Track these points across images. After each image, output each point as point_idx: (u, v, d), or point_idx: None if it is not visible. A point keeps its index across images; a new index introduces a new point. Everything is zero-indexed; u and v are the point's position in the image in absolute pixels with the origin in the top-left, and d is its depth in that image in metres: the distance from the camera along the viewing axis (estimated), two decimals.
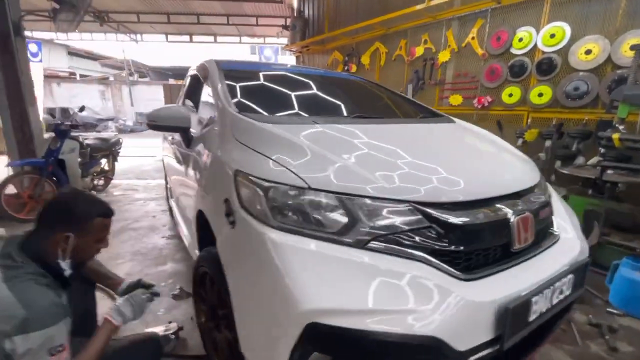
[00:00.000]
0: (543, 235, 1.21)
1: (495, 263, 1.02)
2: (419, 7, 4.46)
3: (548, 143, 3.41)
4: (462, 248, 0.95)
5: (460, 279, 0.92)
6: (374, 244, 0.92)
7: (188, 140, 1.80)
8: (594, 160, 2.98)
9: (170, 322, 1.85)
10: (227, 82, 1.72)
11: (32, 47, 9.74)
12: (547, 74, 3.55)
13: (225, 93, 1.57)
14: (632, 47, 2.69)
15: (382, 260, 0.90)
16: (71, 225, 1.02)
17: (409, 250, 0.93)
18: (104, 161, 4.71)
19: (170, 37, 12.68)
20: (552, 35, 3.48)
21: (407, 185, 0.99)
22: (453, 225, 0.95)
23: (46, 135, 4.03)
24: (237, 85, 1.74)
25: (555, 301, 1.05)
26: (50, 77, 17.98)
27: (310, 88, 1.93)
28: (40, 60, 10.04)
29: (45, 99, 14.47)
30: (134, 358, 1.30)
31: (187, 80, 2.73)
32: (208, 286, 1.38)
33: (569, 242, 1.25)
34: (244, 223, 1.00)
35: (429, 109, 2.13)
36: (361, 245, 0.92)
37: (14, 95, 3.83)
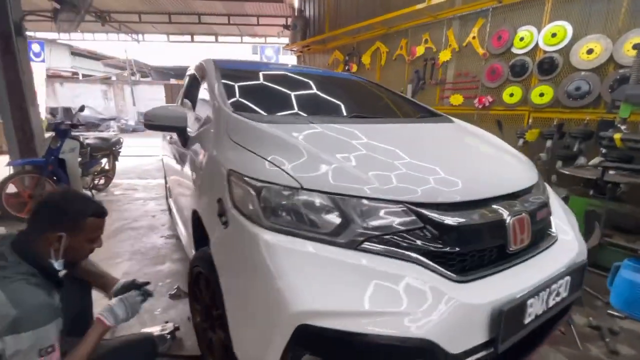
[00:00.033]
0: (540, 237, 1.20)
1: (491, 264, 1.01)
2: (419, 6, 4.44)
3: (549, 143, 3.38)
4: (456, 249, 0.94)
5: (455, 281, 0.91)
6: (367, 245, 0.91)
7: (185, 139, 1.79)
8: (595, 160, 2.96)
9: (166, 322, 1.84)
10: (224, 81, 1.72)
11: (35, 47, 9.81)
12: (548, 73, 3.52)
13: (222, 92, 1.56)
14: (635, 46, 2.66)
15: (375, 262, 0.89)
16: (63, 225, 1.01)
17: (403, 252, 0.92)
18: (104, 161, 4.72)
19: (172, 37, 12.71)
20: (554, 35, 3.45)
21: (401, 185, 0.98)
22: (447, 226, 0.94)
23: (47, 135, 4.05)
24: (234, 85, 1.73)
25: (551, 303, 1.03)
26: (54, 77, 18.08)
27: (308, 88, 1.92)
28: (43, 60, 10.10)
29: (48, 98, 14.57)
30: (128, 358, 1.30)
31: (186, 80, 2.73)
32: (203, 286, 1.37)
33: (567, 243, 1.23)
34: (236, 223, 0.99)
35: (428, 108, 2.12)
36: (354, 246, 0.91)
37: (15, 94, 3.84)
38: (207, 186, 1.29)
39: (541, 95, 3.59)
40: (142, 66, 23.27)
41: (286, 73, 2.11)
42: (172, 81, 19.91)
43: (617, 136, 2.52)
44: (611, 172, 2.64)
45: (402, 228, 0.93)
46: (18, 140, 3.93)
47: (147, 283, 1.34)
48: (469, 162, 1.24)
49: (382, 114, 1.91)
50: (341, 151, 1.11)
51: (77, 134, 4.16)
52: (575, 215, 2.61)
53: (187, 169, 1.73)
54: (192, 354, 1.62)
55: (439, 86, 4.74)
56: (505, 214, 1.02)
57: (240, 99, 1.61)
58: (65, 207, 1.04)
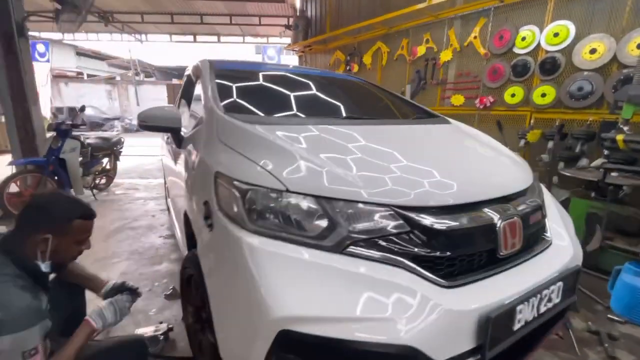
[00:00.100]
0: (534, 241, 1.17)
1: (481, 269, 0.99)
2: (420, 6, 4.41)
3: (550, 144, 3.33)
4: (444, 254, 0.92)
5: (442, 286, 0.89)
6: (352, 249, 0.90)
7: (179, 140, 1.79)
8: (597, 162, 2.91)
9: (161, 323, 1.85)
10: (219, 82, 1.71)
11: (40, 48, 9.94)
12: (550, 73, 3.47)
13: (214, 93, 1.56)
14: (639, 46, 2.61)
15: (360, 266, 0.87)
16: (50, 227, 1.01)
17: (389, 256, 0.90)
18: (105, 160, 4.75)
19: (174, 37, 12.77)
20: (556, 34, 3.41)
21: (389, 188, 0.96)
22: (434, 231, 0.92)
23: (48, 135, 4.08)
24: (228, 86, 1.73)
25: (543, 309, 1.01)
26: (59, 77, 18.26)
27: (303, 88, 1.91)
28: (48, 61, 10.23)
29: (53, 98, 14.72)
30: (118, 359, 1.30)
31: (184, 80, 2.73)
32: (193, 288, 1.37)
33: (561, 247, 1.20)
34: (221, 226, 0.98)
35: (425, 109, 2.09)
36: (339, 250, 0.89)
37: (18, 94, 3.89)
38: (196, 188, 1.28)
39: (543, 95, 3.54)
40: (146, 66, 23.42)
41: (282, 74, 2.09)
42: (175, 81, 20.02)
43: (619, 137, 2.47)
44: (613, 174, 2.60)
45: (389, 232, 0.92)
46: (20, 139, 3.98)
47: (137, 288, 1.34)
48: (462, 164, 1.21)
49: (377, 115, 1.89)
50: (330, 153, 1.09)
51: (78, 133, 4.19)
52: (577, 217, 2.60)
53: (180, 170, 1.72)
54: (183, 355, 1.62)
55: (440, 86, 4.71)
56: (495, 217, 1.00)
57: (233, 100, 1.60)
58: (52, 209, 1.04)
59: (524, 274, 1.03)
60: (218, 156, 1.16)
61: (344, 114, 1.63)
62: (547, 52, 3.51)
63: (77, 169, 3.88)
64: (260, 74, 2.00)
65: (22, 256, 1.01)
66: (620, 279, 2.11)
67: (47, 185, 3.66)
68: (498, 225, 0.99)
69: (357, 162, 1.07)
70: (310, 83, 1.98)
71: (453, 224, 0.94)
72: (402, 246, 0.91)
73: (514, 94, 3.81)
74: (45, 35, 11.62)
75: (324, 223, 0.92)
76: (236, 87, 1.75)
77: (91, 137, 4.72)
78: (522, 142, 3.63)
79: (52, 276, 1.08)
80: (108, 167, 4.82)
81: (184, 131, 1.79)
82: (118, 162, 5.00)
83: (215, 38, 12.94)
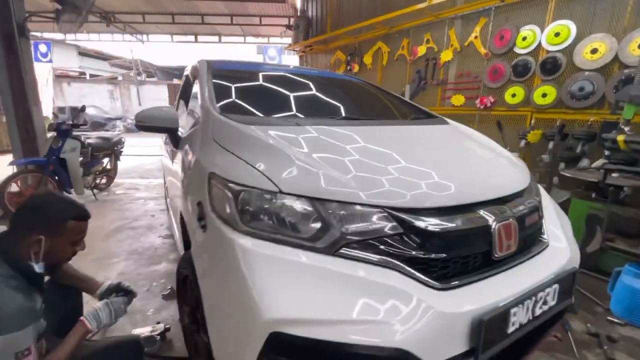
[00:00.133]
0: (530, 243, 1.16)
1: (475, 271, 0.98)
2: (421, 5, 4.40)
3: (551, 145, 3.32)
4: (437, 256, 0.92)
5: (435, 288, 0.89)
6: (346, 251, 0.89)
7: (176, 140, 1.79)
8: (598, 162, 2.89)
9: (158, 323, 1.84)
10: (217, 82, 1.71)
11: (42, 48, 9.99)
12: (551, 73, 3.45)
13: (211, 93, 1.56)
14: None
15: (353, 268, 0.87)
16: (43, 228, 1.01)
17: (382, 258, 0.90)
18: (106, 160, 4.76)
19: (176, 38, 12.81)
20: (557, 34, 3.39)
21: (382, 189, 0.95)
22: (428, 232, 0.91)
23: (49, 135, 4.10)
24: (224, 86, 1.72)
25: (538, 312, 1.00)
26: (62, 77, 18.35)
27: (299, 88, 1.90)
28: (50, 61, 10.29)
29: (55, 98, 14.78)
30: (113, 359, 1.30)
31: (183, 81, 2.73)
32: (188, 289, 1.37)
33: (558, 249, 1.19)
34: (214, 227, 0.98)
35: (423, 109, 2.08)
36: (332, 252, 0.89)
37: (18, 94, 3.90)
38: (190, 189, 1.28)
39: (544, 95, 3.52)
40: (148, 66, 23.49)
41: (279, 74, 2.09)
42: (176, 81, 20.08)
43: (620, 138, 2.45)
44: (614, 174, 2.58)
45: (382, 234, 0.91)
46: (21, 139, 4.00)
47: (132, 290, 1.34)
48: (457, 165, 1.21)
49: (374, 116, 1.88)
50: (325, 154, 1.09)
51: (78, 133, 4.20)
52: (577, 218, 2.58)
53: (177, 170, 1.72)
54: (179, 356, 1.62)
55: (440, 86, 4.69)
56: (490, 219, 0.99)
57: (229, 100, 1.60)
58: (45, 210, 1.04)
59: (519, 276, 1.02)
60: (212, 157, 1.16)
61: (340, 115, 1.62)
62: (548, 52, 3.49)
63: (78, 169, 3.89)
64: (257, 75, 2.00)
65: (16, 257, 1.01)
66: (620, 280, 2.10)
67: (47, 185, 3.68)
68: (493, 227, 0.99)
69: (352, 163, 1.06)
70: (307, 83, 1.97)
71: (447, 225, 0.93)
72: (395, 248, 0.91)
73: (514, 94, 3.79)
74: (47, 35, 11.68)
75: (317, 225, 0.91)
76: (233, 88, 1.75)
77: (92, 137, 4.73)
78: (523, 142, 3.61)
79: (41, 276, 1.08)
80: (109, 167, 4.83)
81: (182, 131, 1.79)
82: (119, 162, 5.01)
83: (216, 38, 12.97)
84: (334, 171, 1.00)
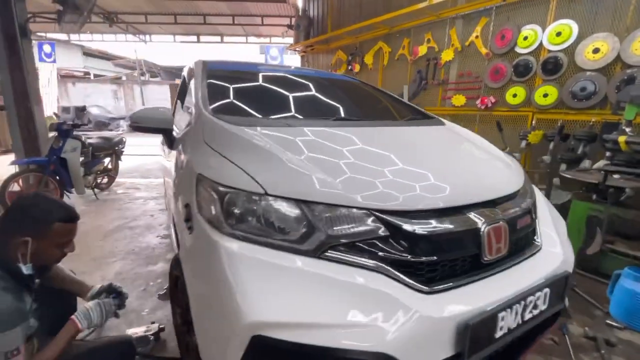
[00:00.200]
0: (522, 246, 1.14)
1: (464, 275, 0.97)
2: (421, 5, 4.37)
3: (552, 145, 3.27)
4: (424, 259, 0.90)
5: (422, 292, 0.88)
6: (331, 254, 0.89)
7: (170, 141, 1.79)
8: (600, 163, 2.85)
9: (152, 323, 1.85)
10: (211, 82, 1.71)
11: (46, 48, 10.09)
12: (552, 73, 3.42)
13: (204, 94, 1.55)
14: None
15: (338, 271, 0.86)
16: (28, 230, 1.01)
17: (368, 261, 0.89)
18: (107, 160, 4.79)
19: (178, 38, 12.88)
20: (559, 34, 3.35)
21: (369, 192, 0.94)
22: (414, 235, 0.90)
23: (50, 134, 4.14)
24: (219, 87, 1.72)
25: (527, 317, 0.99)
26: (66, 77, 18.53)
27: (294, 89, 1.89)
28: (54, 61, 10.39)
29: (60, 98, 14.91)
30: (104, 359, 1.30)
31: (181, 81, 2.74)
32: (179, 290, 1.37)
33: (551, 253, 1.17)
34: (199, 229, 0.98)
35: (419, 110, 2.06)
36: (317, 254, 0.88)
37: (20, 94, 3.94)
38: (180, 190, 1.28)
39: (545, 95, 3.49)
40: (152, 66, 23.64)
41: (274, 74, 2.08)
42: (178, 81, 20.18)
43: (621, 139, 2.42)
44: (616, 176, 2.54)
45: (369, 236, 0.90)
46: (23, 139, 4.04)
47: (123, 292, 1.34)
48: (448, 167, 1.19)
49: (368, 116, 1.87)
50: (313, 155, 1.08)
51: (80, 133, 4.23)
52: (577, 220, 2.55)
53: (171, 171, 1.73)
54: (171, 356, 1.62)
55: (441, 86, 4.66)
56: (480, 222, 0.98)
57: (222, 101, 1.59)
58: (31, 212, 1.04)
59: (509, 279, 1.00)
60: (201, 158, 1.15)
61: (333, 115, 1.61)
62: (549, 51, 3.46)
63: (78, 169, 3.91)
64: (252, 75, 2.00)
65: (5, 258, 1.01)
66: (619, 284, 2.07)
67: (48, 185, 3.71)
68: (482, 230, 0.97)
69: (341, 164, 1.05)
70: (302, 83, 1.96)
71: (434, 228, 0.92)
72: (382, 251, 0.90)
73: (515, 94, 3.76)
74: (53, 35, 11.80)
75: (302, 227, 0.90)
76: (227, 88, 1.75)
77: (93, 137, 4.76)
78: (524, 143, 3.57)
79: (35, 279, 1.08)
80: (109, 166, 4.86)
81: (177, 132, 1.79)
82: (120, 162, 5.04)
83: (218, 38, 13.01)
84: (322, 173, 0.99)
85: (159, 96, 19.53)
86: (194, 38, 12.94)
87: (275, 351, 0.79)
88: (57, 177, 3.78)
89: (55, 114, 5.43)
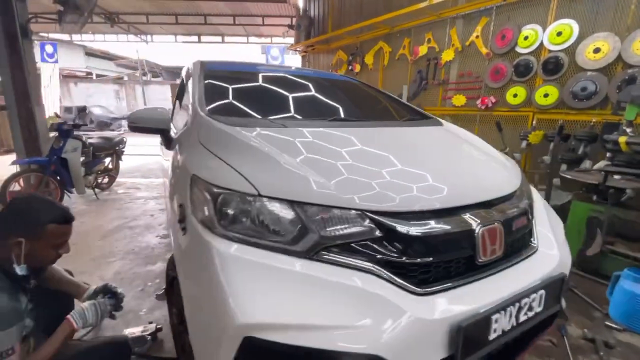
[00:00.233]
0: (518, 247, 1.14)
1: (458, 276, 0.96)
2: (422, 5, 4.36)
3: (552, 146, 3.26)
4: (417, 260, 0.90)
5: (415, 294, 0.87)
6: (324, 255, 0.88)
7: (168, 141, 1.79)
8: (600, 164, 2.84)
9: (150, 323, 1.85)
10: (209, 83, 1.71)
11: (49, 48, 10.14)
12: (553, 73, 3.40)
13: (200, 95, 1.55)
14: None
15: (330, 272, 0.86)
16: (22, 231, 1.02)
17: (361, 262, 0.88)
18: (107, 160, 4.81)
19: (179, 38, 12.91)
20: (559, 33, 3.33)
21: (362, 193, 0.94)
22: (408, 237, 0.90)
23: (51, 134, 4.15)
24: (216, 87, 1.72)
25: (522, 319, 0.98)
26: (69, 77, 18.61)
27: (291, 89, 1.89)
28: (56, 61, 10.43)
29: (62, 98, 14.98)
30: (99, 359, 1.30)
31: (180, 81, 2.75)
32: (176, 290, 1.37)
33: (547, 254, 1.17)
34: (192, 230, 0.98)
35: (417, 110, 2.06)
36: (310, 255, 0.88)
37: (21, 94, 3.97)
38: (175, 190, 1.28)
39: (546, 95, 3.47)
40: (153, 66, 23.71)
41: (272, 74, 2.08)
42: (179, 81, 20.25)
43: (622, 139, 2.40)
44: (616, 176, 2.52)
45: (362, 238, 0.90)
46: (24, 139, 4.06)
47: (119, 292, 1.34)
48: (444, 168, 1.18)
49: (365, 117, 1.86)
50: (308, 156, 1.08)
51: (80, 133, 4.25)
52: (577, 221, 2.53)
53: (168, 171, 1.73)
54: (168, 356, 1.62)
55: (441, 86, 4.65)
56: (474, 223, 0.97)
57: (218, 102, 1.59)
58: (24, 213, 1.04)
59: (504, 281, 0.99)
60: (196, 159, 1.15)
61: (330, 116, 1.61)
62: (550, 51, 3.44)
63: (79, 169, 3.93)
64: (250, 75, 2.00)
65: (0, 259, 1.02)
66: (619, 285, 2.05)
67: (49, 185, 3.73)
68: (477, 231, 0.96)
69: (335, 165, 1.05)
70: (299, 84, 1.96)
71: (428, 230, 0.92)
72: (375, 252, 0.90)
73: (516, 94, 3.74)
74: (55, 36, 11.86)
75: (295, 228, 0.90)
76: (224, 89, 1.75)
77: (93, 136, 4.78)
78: (524, 143, 3.56)
79: (25, 278, 1.08)
80: (110, 166, 4.88)
81: (174, 132, 1.80)
82: (120, 162, 5.06)
83: (219, 38, 13.03)
84: (315, 174, 0.98)
85: (160, 96, 19.60)
86: (195, 38, 12.97)
87: (267, 353, 0.79)
88: (58, 177, 3.80)
89: (56, 114, 5.44)
